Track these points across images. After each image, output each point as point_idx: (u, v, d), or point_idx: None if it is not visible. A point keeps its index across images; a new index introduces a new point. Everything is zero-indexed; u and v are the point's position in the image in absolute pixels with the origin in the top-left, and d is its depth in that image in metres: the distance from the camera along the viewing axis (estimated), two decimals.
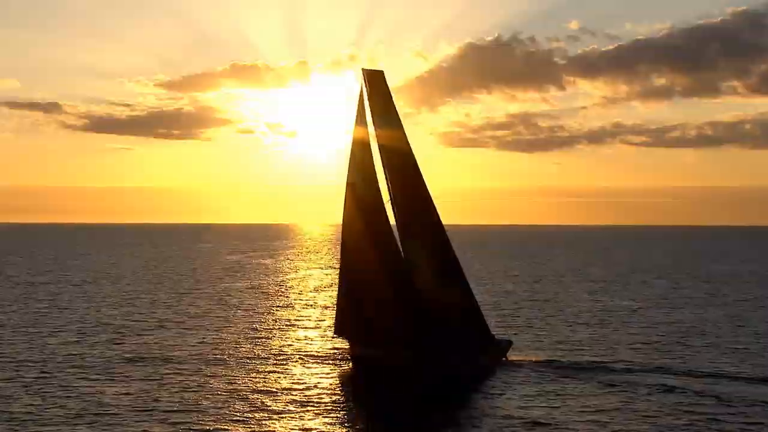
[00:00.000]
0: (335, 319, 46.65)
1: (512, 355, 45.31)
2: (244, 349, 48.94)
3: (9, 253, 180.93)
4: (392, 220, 44.79)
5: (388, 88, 45.55)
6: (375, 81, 45.38)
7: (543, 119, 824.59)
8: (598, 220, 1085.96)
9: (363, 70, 45.40)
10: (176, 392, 36.93)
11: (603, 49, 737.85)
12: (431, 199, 45.03)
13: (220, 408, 34.08)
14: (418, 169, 45.16)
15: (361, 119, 45.01)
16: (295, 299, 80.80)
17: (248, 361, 45.09)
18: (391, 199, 44.67)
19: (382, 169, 44.92)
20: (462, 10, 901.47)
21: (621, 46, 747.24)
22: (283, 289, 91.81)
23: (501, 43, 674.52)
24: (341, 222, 45.70)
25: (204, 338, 53.07)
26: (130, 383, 38.76)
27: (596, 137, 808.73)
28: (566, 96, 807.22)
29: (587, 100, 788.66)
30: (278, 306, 74.26)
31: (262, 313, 67.78)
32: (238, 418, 32.73)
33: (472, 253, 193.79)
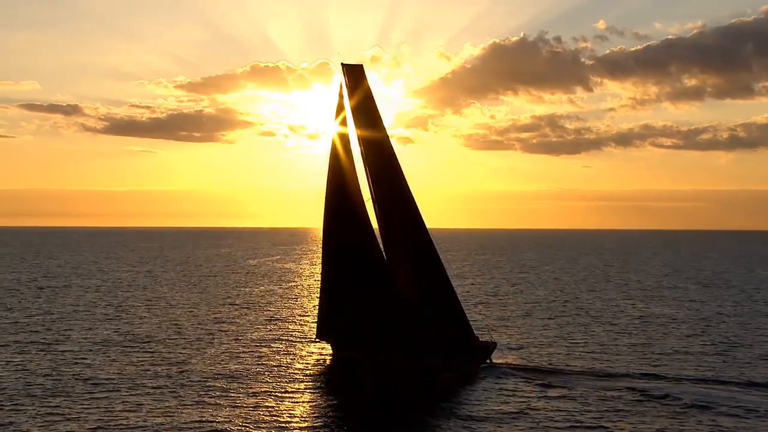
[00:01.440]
0: (317, 323, 46.25)
1: (498, 358, 44.73)
2: (260, 358, 47.00)
3: (28, 257, 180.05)
4: (373, 219, 43.86)
5: (368, 83, 44.43)
6: (355, 76, 44.32)
7: (570, 121, 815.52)
8: (628, 224, 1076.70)
9: (342, 64, 44.43)
10: (186, 404, 35.15)
11: (632, 49, 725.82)
12: (413, 197, 44.21)
13: (223, 417, 32.96)
14: (399, 167, 44.19)
15: (340, 116, 44.07)
16: (314, 305, 77.79)
17: (260, 370, 43.30)
18: (372, 198, 43.75)
19: (362, 166, 43.96)
20: (486, 10, 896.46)
21: (650, 45, 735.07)
22: (302, 295, 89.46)
23: (526, 43, 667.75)
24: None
25: (220, 347, 51.00)
26: (143, 395, 36.95)
27: (625, 139, 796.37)
28: (594, 97, 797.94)
29: (615, 101, 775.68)
30: (296, 312, 72.17)
31: (280, 320, 65.85)
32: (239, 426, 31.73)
33: (499, 257, 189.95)
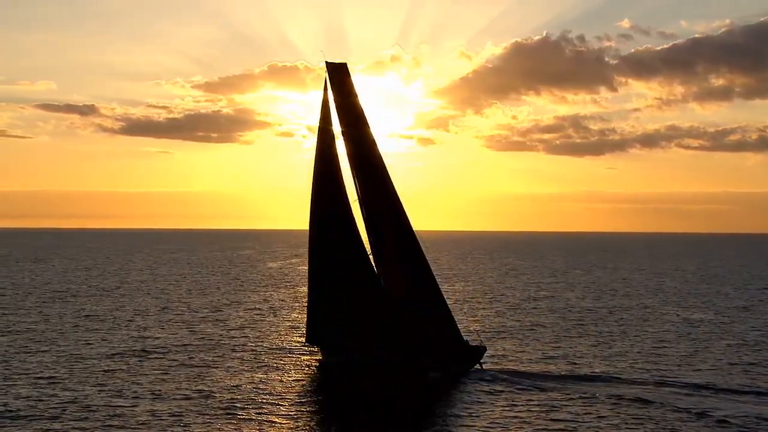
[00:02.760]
0: (307, 327, 45.95)
1: (489, 364, 44.16)
2: (275, 368, 45.43)
3: (45, 259, 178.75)
4: (359, 221, 43.63)
5: (351, 81, 44.09)
6: (338, 74, 43.97)
7: (594, 122, 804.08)
8: (654, 227, 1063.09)
9: (326, 63, 44.02)
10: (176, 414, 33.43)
11: (657, 48, 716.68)
12: (398, 197, 43.86)
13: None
14: (385, 167, 43.87)
15: (325, 116, 43.79)
16: None
17: (257, 378, 42.12)
18: (359, 198, 43.49)
19: (348, 167, 43.58)
20: (508, 9, 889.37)
21: (676, 44, 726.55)
22: None
23: (549, 43, 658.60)
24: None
25: (243, 355, 48.99)
26: (163, 405, 35.26)
27: (651, 141, 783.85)
28: (618, 97, 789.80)
29: (641, 101, 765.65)
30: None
31: (291, 326, 63.49)
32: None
33: (525, 261, 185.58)
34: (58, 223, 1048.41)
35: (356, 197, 43.57)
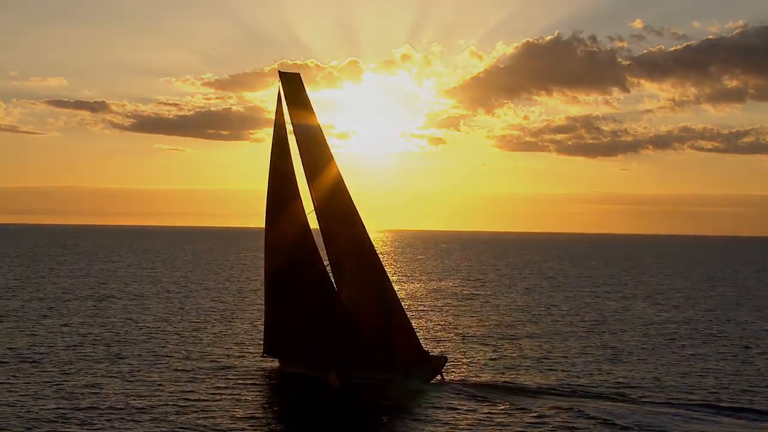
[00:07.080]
0: (264, 339, 45.73)
1: (450, 375, 43.26)
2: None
3: (57, 256, 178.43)
4: (315, 230, 43.74)
5: (305, 92, 44.34)
6: (291, 85, 44.18)
7: (606, 123, 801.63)
8: (668, 230, 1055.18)
9: (279, 72, 44.10)
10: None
11: (670, 49, 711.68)
12: (355, 207, 43.75)
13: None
14: (341, 177, 43.88)
15: (279, 125, 43.87)
16: None
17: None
18: (314, 209, 43.42)
19: (303, 175, 43.56)
20: (519, 8, 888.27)
21: (689, 45, 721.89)
22: None
23: (561, 43, 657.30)
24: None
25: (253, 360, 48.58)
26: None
27: (663, 142, 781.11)
28: (630, 98, 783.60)
29: (653, 102, 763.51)
30: None
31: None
32: None
33: (553, 264, 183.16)
34: (69, 220, 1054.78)
35: (312, 207, 43.50)
